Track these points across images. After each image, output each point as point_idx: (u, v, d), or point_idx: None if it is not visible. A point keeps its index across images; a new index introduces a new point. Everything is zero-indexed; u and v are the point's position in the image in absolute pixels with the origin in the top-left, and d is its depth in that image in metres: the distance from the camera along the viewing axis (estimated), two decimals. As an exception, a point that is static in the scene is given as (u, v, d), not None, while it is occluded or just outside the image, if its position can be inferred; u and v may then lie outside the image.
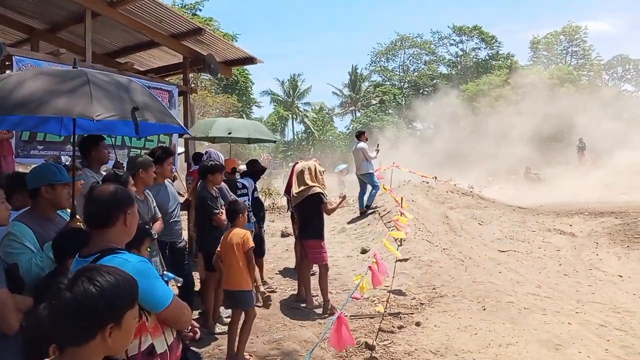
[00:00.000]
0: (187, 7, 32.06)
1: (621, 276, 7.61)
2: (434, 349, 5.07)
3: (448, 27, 56.84)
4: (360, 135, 12.12)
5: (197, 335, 3.10)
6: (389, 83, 58.47)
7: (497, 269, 8.12)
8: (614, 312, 6.16)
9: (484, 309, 6.28)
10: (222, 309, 6.00)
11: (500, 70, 47.28)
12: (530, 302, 6.57)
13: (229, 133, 8.10)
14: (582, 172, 22.56)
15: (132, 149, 8.62)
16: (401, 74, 59.55)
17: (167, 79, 10.70)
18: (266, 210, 9.82)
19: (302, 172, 6.70)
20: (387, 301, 6.26)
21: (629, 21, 78.69)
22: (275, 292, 7.33)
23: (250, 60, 10.29)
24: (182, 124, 3.74)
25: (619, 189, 17.64)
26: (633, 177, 19.29)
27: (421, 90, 55.31)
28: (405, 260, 8.25)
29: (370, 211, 11.73)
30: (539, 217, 12.56)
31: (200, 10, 33.11)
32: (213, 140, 9.12)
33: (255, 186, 7.39)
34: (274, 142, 21.49)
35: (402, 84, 58.13)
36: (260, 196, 8.17)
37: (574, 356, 4.94)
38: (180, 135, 9.10)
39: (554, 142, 33.53)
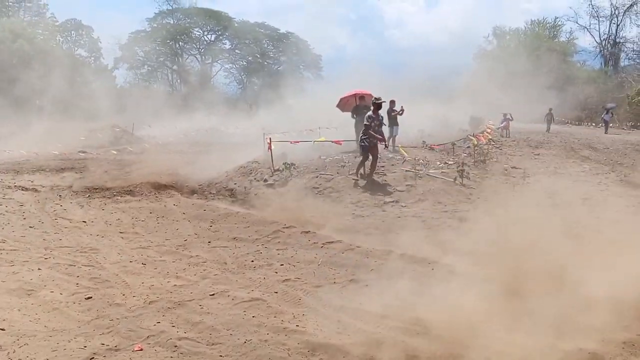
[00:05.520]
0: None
1: (85, 222, 8.16)
2: None
3: None
4: None
5: None
6: None
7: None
8: (81, 252, 6.59)
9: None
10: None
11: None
12: (-6, 257, 6.17)
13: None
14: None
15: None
16: None
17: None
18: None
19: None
20: None
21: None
22: None
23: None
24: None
25: (77, 147, 18.59)
26: (89, 135, 20.76)
27: None
28: None
29: None
30: (-3, 175, 11.81)
31: None
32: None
33: None
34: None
35: None
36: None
37: (47, 296, 5.05)
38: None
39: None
